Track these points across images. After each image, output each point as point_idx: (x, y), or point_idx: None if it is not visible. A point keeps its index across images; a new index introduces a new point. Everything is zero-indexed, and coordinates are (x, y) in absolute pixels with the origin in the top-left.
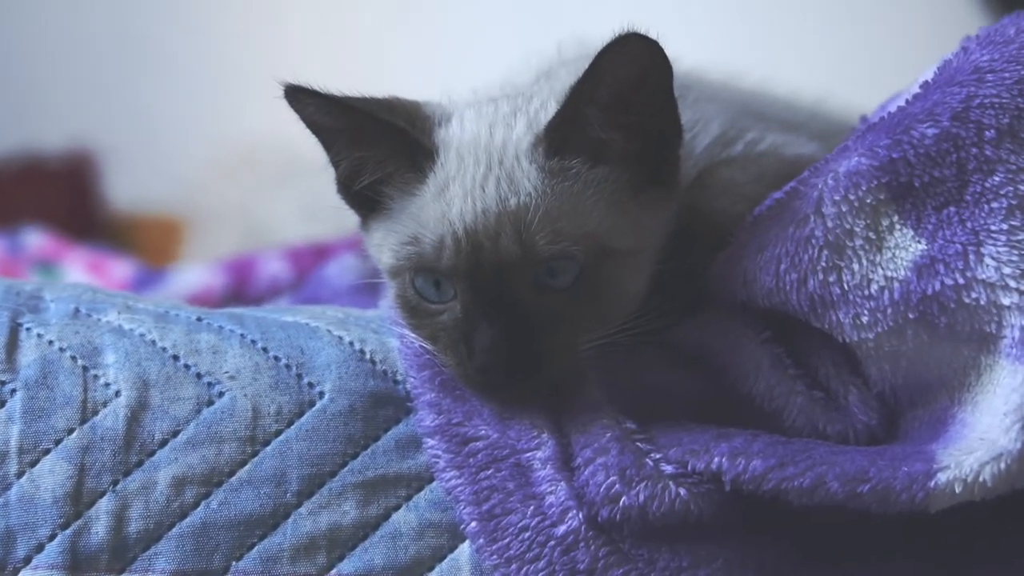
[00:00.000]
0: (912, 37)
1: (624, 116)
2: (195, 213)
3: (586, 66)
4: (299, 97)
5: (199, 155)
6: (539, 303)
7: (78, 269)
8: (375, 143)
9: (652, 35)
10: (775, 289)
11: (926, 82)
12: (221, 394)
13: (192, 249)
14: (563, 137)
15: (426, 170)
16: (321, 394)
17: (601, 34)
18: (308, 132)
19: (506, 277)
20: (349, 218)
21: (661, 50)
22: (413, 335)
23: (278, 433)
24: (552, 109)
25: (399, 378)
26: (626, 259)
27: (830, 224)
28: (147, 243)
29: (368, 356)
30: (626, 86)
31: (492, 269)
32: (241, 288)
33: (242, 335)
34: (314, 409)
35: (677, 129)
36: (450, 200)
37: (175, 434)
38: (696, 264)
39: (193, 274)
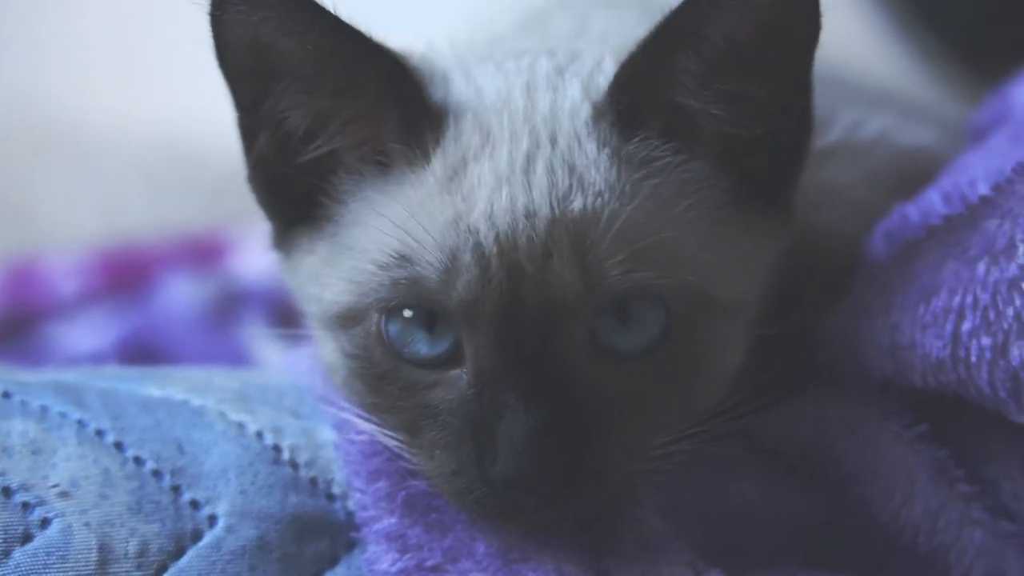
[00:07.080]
0: None
1: (735, 80)
2: None
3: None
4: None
5: None
6: (600, 374)
7: None
8: (355, 89)
9: None
10: (951, 361)
11: None
12: (46, 522)
13: None
14: (637, 100)
15: (427, 144)
16: (212, 519)
17: None
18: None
19: (557, 327)
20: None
21: None
22: (366, 421)
23: None
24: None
25: (336, 491)
26: (729, 315)
27: None
28: None
29: (287, 456)
30: (751, 34)
31: (536, 311)
32: (22, 305)
33: (80, 421)
34: (201, 545)
35: (807, 118)
36: (469, 192)
37: None
38: (803, 319)
39: None
